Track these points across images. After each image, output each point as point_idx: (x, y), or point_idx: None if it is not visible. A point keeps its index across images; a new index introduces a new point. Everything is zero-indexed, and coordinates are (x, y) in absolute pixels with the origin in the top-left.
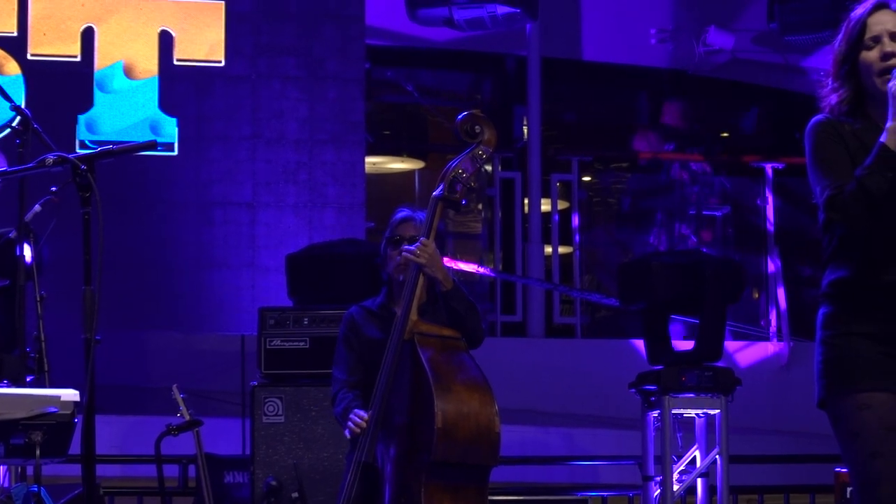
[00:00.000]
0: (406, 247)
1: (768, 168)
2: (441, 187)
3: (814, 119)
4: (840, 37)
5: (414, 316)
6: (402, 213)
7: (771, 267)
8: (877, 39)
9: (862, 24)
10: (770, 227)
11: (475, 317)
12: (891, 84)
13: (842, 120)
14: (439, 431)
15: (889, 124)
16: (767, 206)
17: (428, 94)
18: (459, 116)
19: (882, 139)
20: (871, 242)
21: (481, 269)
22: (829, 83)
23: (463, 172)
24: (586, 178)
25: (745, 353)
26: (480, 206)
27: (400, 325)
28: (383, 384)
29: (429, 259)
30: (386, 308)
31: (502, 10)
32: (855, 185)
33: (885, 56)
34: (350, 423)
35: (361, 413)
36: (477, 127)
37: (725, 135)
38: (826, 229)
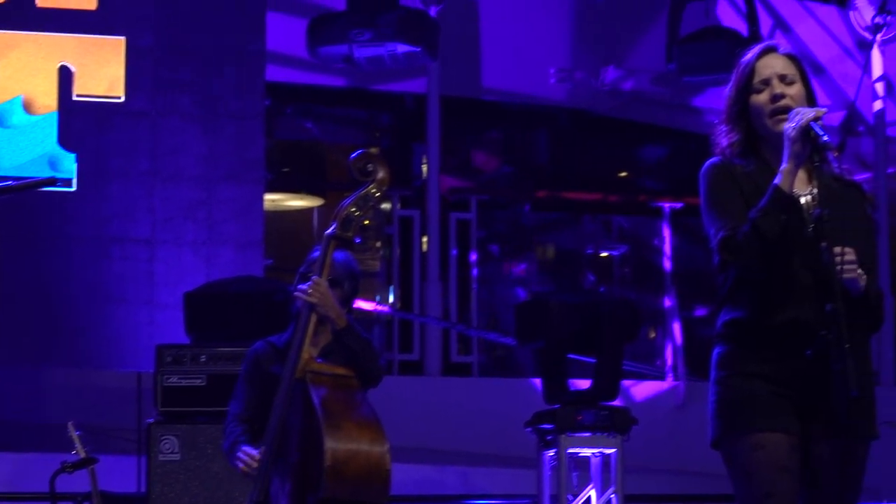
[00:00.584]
0: (299, 285)
1: (666, 207)
2: (334, 226)
3: (708, 162)
4: (731, 81)
5: (306, 354)
6: (318, 250)
7: (667, 304)
8: (766, 82)
9: (751, 69)
10: (667, 267)
11: (370, 355)
12: (786, 126)
13: (735, 162)
14: (328, 469)
15: (783, 166)
16: (665, 246)
17: (327, 131)
18: (353, 155)
19: (776, 181)
20: (764, 283)
21: (379, 307)
22: (722, 127)
23: (356, 211)
24: (484, 217)
25: (641, 393)
26: (379, 244)
27: (291, 363)
28: (275, 422)
29: (320, 298)
30: (291, 344)
31: (402, 48)
32: (749, 226)
33: (775, 98)
34: (238, 463)
35: (250, 451)
36: (370, 165)
37: (624, 174)
38: (721, 270)
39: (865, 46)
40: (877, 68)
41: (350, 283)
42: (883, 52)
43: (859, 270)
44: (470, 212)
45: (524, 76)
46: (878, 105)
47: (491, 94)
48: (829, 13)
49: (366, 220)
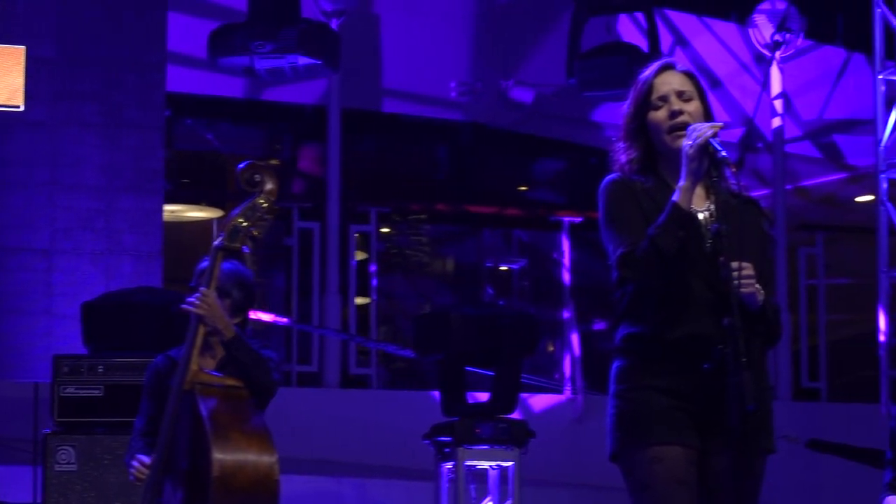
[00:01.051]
0: (188, 297)
1: (566, 220)
2: (221, 237)
3: (607, 178)
4: (629, 98)
5: (195, 366)
6: (206, 262)
7: (566, 317)
8: (664, 99)
9: (649, 85)
10: (566, 280)
11: (261, 368)
12: (684, 143)
13: (634, 179)
14: (216, 481)
15: (681, 183)
16: (564, 259)
17: (228, 142)
18: (240, 166)
19: (674, 198)
20: (663, 298)
21: (278, 319)
22: (620, 143)
23: (243, 221)
24: (385, 230)
25: (539, 406)
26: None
27: (179, 375)
28: (164, 434)
29: (208, 310)
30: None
31: (303, 61)
32: (647, 243)
33: (673, 114)
34: (131, 470)
35: (143, 458)
36: (257, 176)
37: (523, 188)
38: (619, 286)
39: (764, 62)
40: (775, 85)
41: (239, 292)
42: (782, 70)
43: (757, 285)
44: (370, 224)
45: (425, 89)
46: (776, 122)
47: (392, 105)
48: (727, 29)
49: (255, 230)
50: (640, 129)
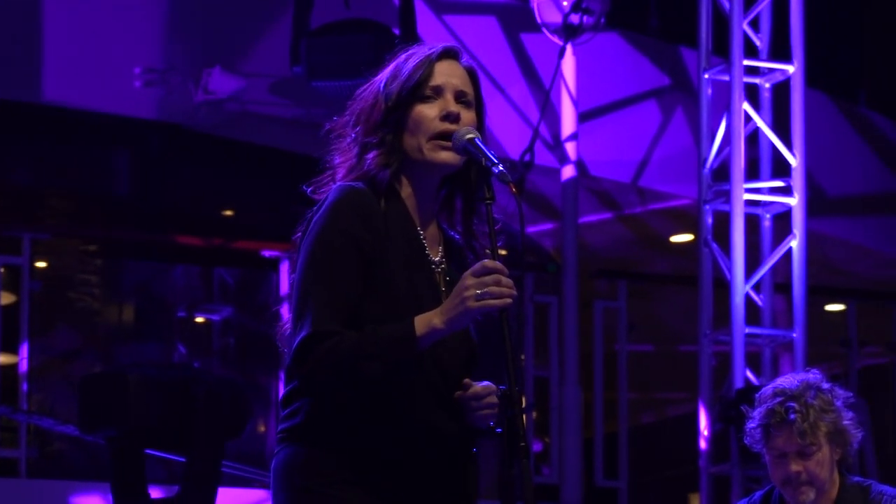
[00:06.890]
0: None
1: (286, 257)
2: None
3: (345, 186)
4: (385, 76)
5: None
6: None
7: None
8: (439, 91)
9: (429, 68)
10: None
11: None
12: (472, 304)
13: (378, 191)
14: None
15: (437, 324)
16: (282, 309)
17: None
18: None
19: (418, 331)
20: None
21: None
22: (358, 136)
23: None
24: (41, 264)
25: None
26: None
27: None
28: None
29: None
30: None
31: None
32: (347, 358)
33: (448, 117)
34: None
35: None
36: None
37: (229, 213)
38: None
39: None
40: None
41: None
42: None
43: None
44: (21, 255)
45: (101, 75)
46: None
47: (55, 93)
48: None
49: None
50: (399, 122)
